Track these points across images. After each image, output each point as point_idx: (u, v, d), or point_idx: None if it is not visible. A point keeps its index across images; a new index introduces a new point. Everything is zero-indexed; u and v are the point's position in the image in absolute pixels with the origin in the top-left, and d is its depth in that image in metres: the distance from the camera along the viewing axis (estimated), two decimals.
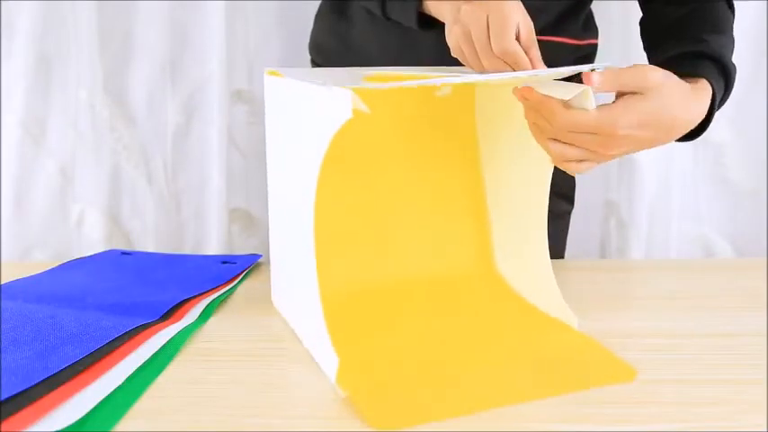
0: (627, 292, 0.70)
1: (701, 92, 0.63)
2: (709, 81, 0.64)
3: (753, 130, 1.30)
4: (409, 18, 0.73)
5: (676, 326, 0.61)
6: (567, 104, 0.54)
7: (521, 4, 0.62)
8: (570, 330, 0.58)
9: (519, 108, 0.58)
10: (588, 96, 0.53)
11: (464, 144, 0.69)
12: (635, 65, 0.57)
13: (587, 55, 0.89)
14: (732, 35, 0.74)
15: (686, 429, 0.45)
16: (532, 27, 0.62)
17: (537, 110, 0.56)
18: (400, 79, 0.62)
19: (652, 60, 0.74)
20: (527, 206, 0.65)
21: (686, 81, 0.61)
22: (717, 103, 0.65)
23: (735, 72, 0.69)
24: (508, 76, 0.58)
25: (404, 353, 0.58)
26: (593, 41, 0.89)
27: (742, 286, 0.71)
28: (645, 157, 1.31)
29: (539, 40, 0.68)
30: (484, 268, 0.68)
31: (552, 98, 0.54)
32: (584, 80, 0.54)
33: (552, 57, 0.80)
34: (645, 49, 0.80)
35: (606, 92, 0.55)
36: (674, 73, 0.59)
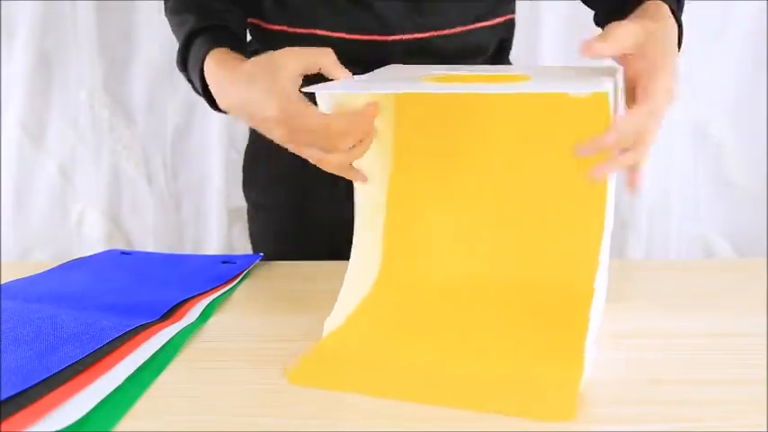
0: (627, 292, 0.70)
1: (658, 10, 0.63)
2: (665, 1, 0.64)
3: (753, 130, 1.30)
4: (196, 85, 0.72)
5: (676, 326, 0.61)
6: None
7: (288, 63, 0.59)
8: (573, 359, 0.54)
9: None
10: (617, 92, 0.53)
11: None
12: (610, 27, 0.57)
13: (509, 32, 0.89)
14: None
15: (686, 429, 0.45)
16: (321, 56, 0.61)
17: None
18: (463, 80, 0.62)
19: None
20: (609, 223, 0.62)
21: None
22: (676, 11, 0.66)
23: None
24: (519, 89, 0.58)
25: (409, 336, 0.59)
26: (512, 16, 0.89)
27: (742, 286, 0.71)
28: None
29: (473, 29, 0.76)
30: (580, 286, 0.63)
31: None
32: (585, 51, 0.53)
33: (479, 42, 0.81)
34: None
35: (607, 56, 0.55)
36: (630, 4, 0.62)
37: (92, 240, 1.38)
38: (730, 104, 1.30)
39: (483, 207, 0.70)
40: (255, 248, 0.96)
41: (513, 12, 0.88)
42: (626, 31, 0.56)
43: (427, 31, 0.78)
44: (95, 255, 0.86)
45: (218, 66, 0.67)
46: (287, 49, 0.61)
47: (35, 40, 1.30)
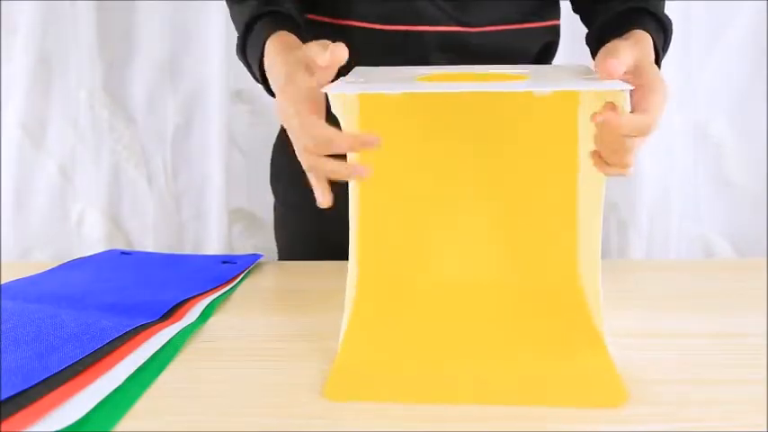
0: (627, 292, 0.70)
1: (644, 38, 0.66)
2: (648, 32, 0.67)
3: (753, 130, 1.30)
4: (254, 72, 0.71)
5: (676, 326, 0.61)
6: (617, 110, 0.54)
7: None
8: (597, 348, 0.56)
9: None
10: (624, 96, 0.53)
11: (562, 149, 0.66)
12: (612, 47, 0.58)
13: (553, 38, 0.89)
14: None
15: (686, 429, 0.45)
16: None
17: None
18: (454, 79, 0.62)
19: (593, 18, 0.79)
20: (596, 218, 0.63)
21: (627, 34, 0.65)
22: (660, 51, 0.69)
23: (671, 27, 0.73)
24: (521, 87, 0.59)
25: (418, 341, 0.59)
26: (558, 22, 0.89)
27: (742, 286, 0.71)
28: (645, 158, 1.31)
29: (518, 29, 0.77)
30: (565, 283, 0.65)
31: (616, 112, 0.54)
32: (605, 73, 0.55)
33: (524, 43, 0.82)
34: (577, 10, 0.84)
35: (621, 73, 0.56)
36: (621, 30, 0.65)
37: (92, 240, 1.37)
38: (730, 104, 1.30)
39: (459, 208, 0.70)
40: (280, 244, 0.97)
41: (557, 18, 0.88)
42: (626, 51, 0.57)
43: (464, 26, 0.78)
44: (95, 255, 0.86)
45: (276, 51, 0.66)
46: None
47: (35, 40, 1.30)
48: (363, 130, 0.64)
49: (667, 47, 0.73)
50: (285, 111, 0.58)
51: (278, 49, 0.65)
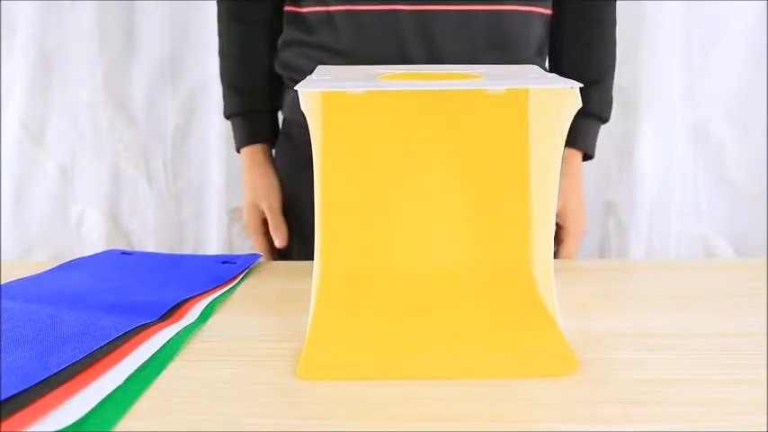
0: (627, 292, 0.70)
1: (575, 162, 0.95)
2: (584, 150, 0.94)
3: (753, 130, 1.30)
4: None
5: (676, 326, 0.61)
6: None
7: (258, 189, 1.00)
8: (549, 326, 0.60)
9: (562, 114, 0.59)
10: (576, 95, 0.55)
11: (514, 144, 0.70)
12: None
13: (548, 24, 0.91)
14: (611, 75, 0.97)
15: (686, 429, 0.45)
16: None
17: None
18: (415, 78, 0.64)
19: None
20: (549, 208, 0.65)
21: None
22: (594, 148, 0.96)
23: (608, 110, 0.97)
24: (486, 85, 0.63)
25: (382, 323, 0.62)
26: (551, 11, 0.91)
27: (742, 286, 0.71)
28: (645, 158, 1.31)
29: (511, 11, 0.83)
30: (518, 267, 0.69)
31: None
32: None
33: (525, 27, 0.83)
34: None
35: None
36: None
37: (92, 240, 1.37)
38: (730, 104, 1.30)
39: (420, 200, 0.72)
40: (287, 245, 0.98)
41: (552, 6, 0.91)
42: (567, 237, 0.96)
43: (473, 4, 0.79)
44: (95, 255, 0.86)
45: (249, 162, 1.01)
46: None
47: (35, 40, 1.30)
48: (326, 125, 0.67)
49: (608, 116, 0.97)
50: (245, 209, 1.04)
51: (248, 165, 1.00)
